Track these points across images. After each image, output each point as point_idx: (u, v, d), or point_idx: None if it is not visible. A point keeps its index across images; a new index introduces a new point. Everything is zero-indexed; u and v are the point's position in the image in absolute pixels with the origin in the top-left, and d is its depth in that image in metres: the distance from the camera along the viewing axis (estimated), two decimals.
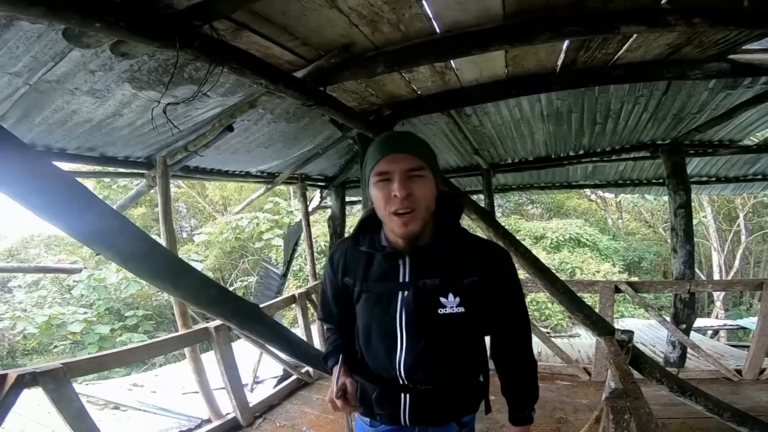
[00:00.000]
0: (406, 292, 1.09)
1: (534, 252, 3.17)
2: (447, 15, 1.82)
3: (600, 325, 2.80)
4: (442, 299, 1.07)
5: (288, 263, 6.49)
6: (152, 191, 3.49)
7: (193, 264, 10.59)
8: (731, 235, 12.94)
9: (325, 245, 10.70)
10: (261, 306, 4.00)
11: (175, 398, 4.18)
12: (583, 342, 5.31)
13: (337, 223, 6.15)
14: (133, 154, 3.15)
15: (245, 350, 4.44)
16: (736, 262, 12.49)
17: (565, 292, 2.89)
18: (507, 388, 1.23)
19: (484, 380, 1.24)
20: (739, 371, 3.71)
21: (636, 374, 2.24)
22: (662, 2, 1.72)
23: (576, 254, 11.14)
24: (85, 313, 8.86)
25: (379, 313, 1.12)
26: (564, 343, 4.95)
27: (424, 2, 1.72)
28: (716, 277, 12.50)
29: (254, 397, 3.59)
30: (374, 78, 2.53)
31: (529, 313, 1.26)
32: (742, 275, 12.53)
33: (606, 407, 1.70)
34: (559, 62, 2.50)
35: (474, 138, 3.99)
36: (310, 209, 6.36)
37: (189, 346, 3.13)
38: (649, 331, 6.07)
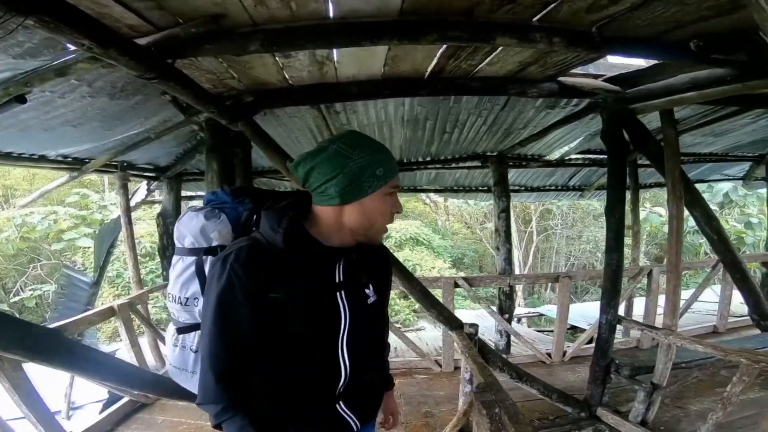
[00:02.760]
0: (343, 291, 1.06)
1: None
2: (345, 1, 1.67)
3: (451, 320, 3.01)
4: (366, 291, 1.12)
5: (101, 268, 5.34)
6: None
7: None
8: (526, 235, 15.89)
9: (151, 246, 9.25)
10: (66, 321, 3.16)
11: None
12: (428, 334, 5.74)
13: (169, 220, 5.34)
14: None
15: (49, 370, 3.49)
16: (530, 258, 15.43)
17: (420, 290, 3.02)
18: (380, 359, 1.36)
19: None
20: (549, 354, 4.44)
21: None
22: (533, 19, 1.89)
23: (415, 252, 12.19)
24: None
25: (321, 324, 1.03)
26: (413, 337, 5.25)
27: None
28: (517, 270, 15.22)
29: (74, 426, 2.90)
30: (240, 59, 2.20)
31: None
32: (533, 269, 15.52)
33: (476, 402, 1.78)
34: (430, 68, 2.57)
35: None
36: (132, 204, 5.37)
37: None
38: (479, 321, 6.89)
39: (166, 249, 5.28)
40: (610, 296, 3.08)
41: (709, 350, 2.52)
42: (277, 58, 2.31)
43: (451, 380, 3.77)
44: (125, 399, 3.29)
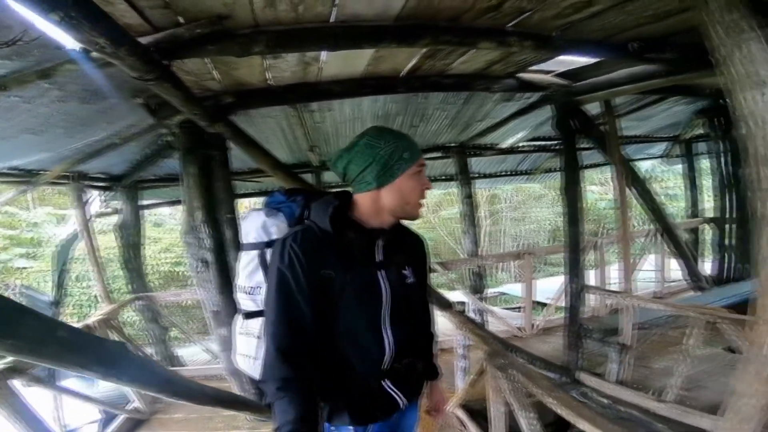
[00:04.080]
0: (383, 270, 1.19)
1: None
2: (350, 5, 1.77)
3: (441, 301, 3.23)
4: (404, 271, 1.25)
5: (59, 287, 5.00)
6: None
7: None
8: (477, 220, 16.54)
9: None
10: None
11: None
12: None
13: (129, 232, 5.09)
14: None
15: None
16: (483, 242, 16.11)
17: None
18: (425, 348, 1.43)
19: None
20: (521, 329, 4.80)
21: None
22: (507, 25, 2.12)
23: None
24: None
25: (366, 298, 1.16)
26: None
27: None
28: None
29: None
30: (226, 59, 2.22)
31: None
32: (486, 251, 16.19)
33: (489, 368, 1.99)
34: (408, 68, 2.74)
35: (312, 135, 3.95)
36: (89, 216, 5.06)
37: None
38: None
39: (129, 261, 5.05)
40: (574, 265, 3.45)
41: (669, 309, 2.91)
42: (264, 59, 2.34)
43: (440, 358, 3.94)
44: (121, 417, 3.20)
